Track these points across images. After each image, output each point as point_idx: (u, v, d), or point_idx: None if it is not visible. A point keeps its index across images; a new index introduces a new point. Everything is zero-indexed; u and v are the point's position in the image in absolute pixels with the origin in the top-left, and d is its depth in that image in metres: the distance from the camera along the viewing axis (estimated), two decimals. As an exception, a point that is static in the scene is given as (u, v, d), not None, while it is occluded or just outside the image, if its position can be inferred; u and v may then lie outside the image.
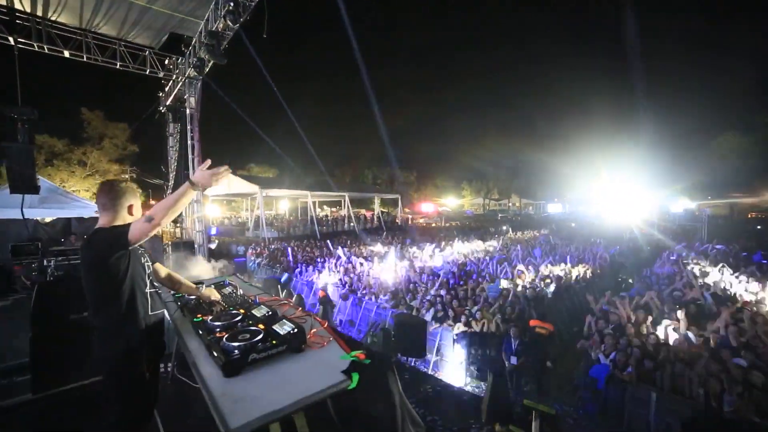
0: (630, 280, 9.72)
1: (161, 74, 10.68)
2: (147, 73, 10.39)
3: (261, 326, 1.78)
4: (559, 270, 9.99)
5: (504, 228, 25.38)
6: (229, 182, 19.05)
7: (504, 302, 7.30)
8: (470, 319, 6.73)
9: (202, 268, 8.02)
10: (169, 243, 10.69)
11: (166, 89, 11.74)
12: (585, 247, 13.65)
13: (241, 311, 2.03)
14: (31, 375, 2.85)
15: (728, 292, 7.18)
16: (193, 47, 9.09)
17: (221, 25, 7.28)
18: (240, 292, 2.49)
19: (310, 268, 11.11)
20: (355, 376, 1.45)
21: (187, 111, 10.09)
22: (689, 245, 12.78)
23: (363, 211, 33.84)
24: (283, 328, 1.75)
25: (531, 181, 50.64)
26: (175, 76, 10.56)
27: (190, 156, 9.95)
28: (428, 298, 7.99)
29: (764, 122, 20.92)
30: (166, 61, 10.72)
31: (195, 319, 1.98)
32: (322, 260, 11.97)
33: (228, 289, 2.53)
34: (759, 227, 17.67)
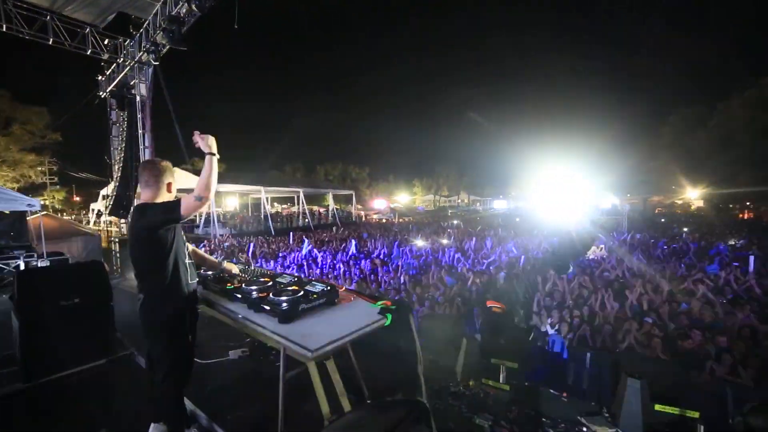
0: (569, 265, 11.06)
1: (105, 56, 9.85)
2: (88, 53, 9.53)
3: (295, 287, 2.06)
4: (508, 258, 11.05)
5: (455, 222, 26.79)
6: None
7: (462, 287, 8.01)
8: (434, 303, 7.31)
9: None
10: (117, 239, 9.95)
11: (107, 73, 10.82)
12: (529, 239, 15.08)
13: (267, 279, 2.27)
14: (22, 365, 2.76)
15: (640, 271, 8.61)
16: (145, 30, 8.57)
17: (184, 10, 7.01)
18: (253, 267, 2.69)
19: (272, 263, 11.01)
20: (389, 316, 1.81)
21: (137, 98, 9.45)
22: (613, 235, 14.78)
23: (315, 208, 33.52)
24: (316, 287, 2.04)
25: (478, 179, 53.80)
26: (122, 59, 9.79)
27: (141, 147, 9.33)
28: (392, 285, 8.45)
29: (668, 131, 24.73)
30: (105, 42, 9.87)
31: (228, 287, 2.18)
32: (284, 255, 11.91)
33: (239, 266, 2.72)
34: (663, 220, 21.18)
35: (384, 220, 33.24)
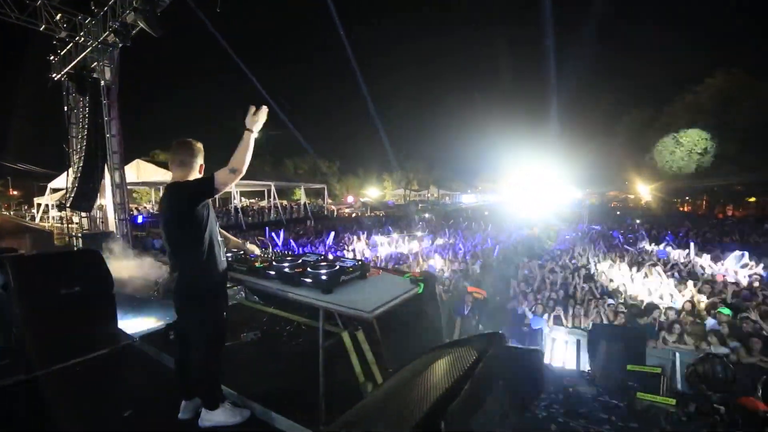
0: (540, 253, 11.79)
1: (62, 34, 9.07)
2: (42, 29, 8.73)
3: (326, 263, 2.17)
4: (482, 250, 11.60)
5: (427, 216, 27.38)
6: (138, 169, 16.92)
7: (442, 276, 8.38)
8: None
9: (129, 265, 7.15)
10: (79, 235, 9.30)
11: (62, 53, 9.95)
12: (499, 232, 15.82)
13: (294, 258, 2.36)
14: (22, 356, 2.63)
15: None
16: (111, 8, 8.01)
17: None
18: (271, 249, 2.76)
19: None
20: (421, 285, 1.98)
21: (102, 83, 8.83)
22: (576, 227, 15.90)
23: (284, 202, 32.88)
24: (346, 262, 2.16)
25: (447, 173, 55.01)
26: (81, 38, 9.05)
27: (107, 135, 8.76)
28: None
29: (622, 130, 26.88)
30: (57, 17, 9.03)
31: (257, 266, 2.24)
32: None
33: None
34: (618, 212, 23.11)
35: (356, 215, 33.26)
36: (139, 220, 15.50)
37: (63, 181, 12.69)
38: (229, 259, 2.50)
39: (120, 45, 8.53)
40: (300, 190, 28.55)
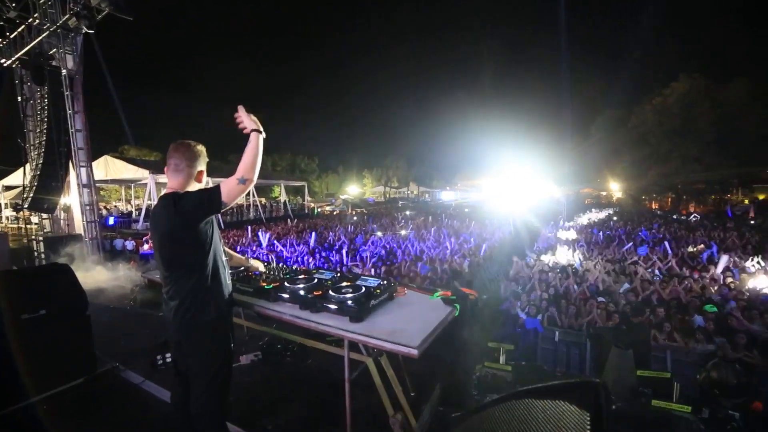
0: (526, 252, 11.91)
1: (12, 14, 8.16)
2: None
3: (348, 283, 1.92)
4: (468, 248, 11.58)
5: (408, 213, 27.31)
6: (107, 166, 15.82)
7: (435, 276, 8.24)
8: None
9: (101, 272, 6.60)
10: (40, 238, 8.48)
11: (12, 36, 8.96)
12: (482, 229, 15.92)
13: (306, 276, 2.09)
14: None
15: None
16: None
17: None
18: (273, 264, 2.47)
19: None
20: (458, 306, 1.77)
21: (63, 72, 8.03)
22: (557, 224, 16.26)
23: (263, 200, 31.99)
24: (370, 281, 1.93)
25: (427, 170, 55.32)
26: (36, 21, 8.17)
27: (71, 129, 8.00)
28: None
29: (596, 130, 27.92)
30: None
31: (266, 287, 1.96)
32: (242, 250, 11.19)
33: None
34: (593, 210, 24.00)
35: (337, 212, 32.80)
36: (111, 221, 14.46)
37: (18, 177, 11.60)
38: (234, 277, 2.21)
39: (84, 31, 7.78)
40: (279, 188, 27.76)
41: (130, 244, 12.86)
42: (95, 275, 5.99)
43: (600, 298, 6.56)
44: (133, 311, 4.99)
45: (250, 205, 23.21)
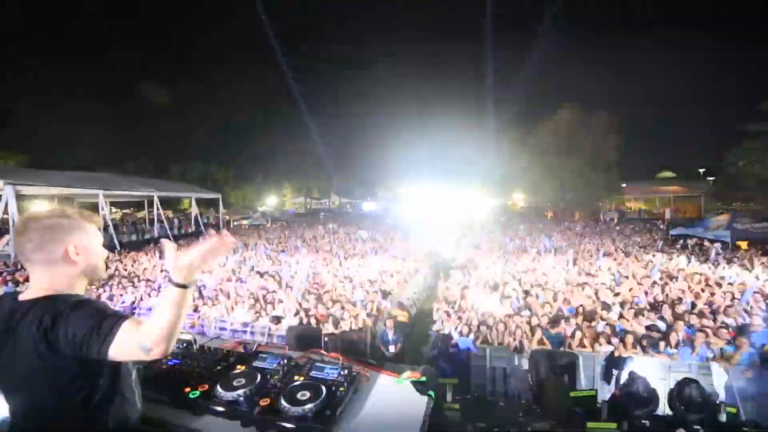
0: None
1: None
2: None
3: (300, 377, 1.57)
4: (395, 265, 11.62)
5: (331, 226, 26.75)
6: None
7: (364, 299, 8.07)
8: (337, 321, 7.05)
9: None
10: None
11: None
12: (409, 245, 16.15)
13: (242, 367, 1.67)
14: None
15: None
16: None
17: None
18: (197, 344, 1.95)
19: (129, 289, 8.65)
20: (432, 394, 1.57)
21: None
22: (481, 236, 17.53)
23: (169, 213, 28.31)
24: (327, 372, 1.60)
25: (348, 181, 55.44)
26: None
27: None
28: (291, 307, 7.75)
29: (505, 146, 31.32)
30: None
31: (189, 394, 1.48)
32: (147, 278, 9.53)
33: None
34: (503, 219, 26.97)
35: (254, 225, 30.61)
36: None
37: None
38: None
39: None
40: (190, 200, 24.76)
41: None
42: None
43: (525, 312, 7.07)
44: None
45: (153, 219, 20.08)
